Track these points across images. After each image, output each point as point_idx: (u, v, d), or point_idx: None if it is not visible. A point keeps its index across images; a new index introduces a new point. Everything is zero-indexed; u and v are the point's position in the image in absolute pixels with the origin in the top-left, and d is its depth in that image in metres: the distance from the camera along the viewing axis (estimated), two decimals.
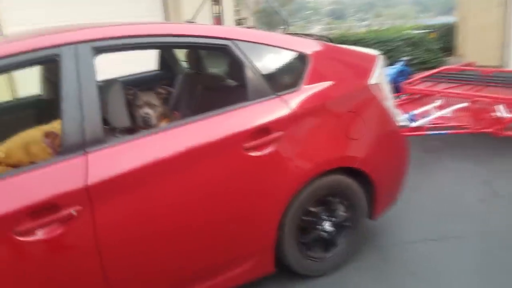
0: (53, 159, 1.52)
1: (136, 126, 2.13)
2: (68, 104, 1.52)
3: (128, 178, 1.59)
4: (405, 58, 5.50)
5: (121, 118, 1.93)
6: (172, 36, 1.82)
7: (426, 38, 7.98)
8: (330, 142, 2.11)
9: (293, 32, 2.52)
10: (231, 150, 1.83)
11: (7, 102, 2.79)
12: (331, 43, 2.37)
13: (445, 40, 10.20)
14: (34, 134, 2.45)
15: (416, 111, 4.05)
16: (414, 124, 3.87)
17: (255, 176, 1.90)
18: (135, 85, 3.05)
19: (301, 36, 2.38)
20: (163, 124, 2.23)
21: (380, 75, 2.34)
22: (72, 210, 1.48)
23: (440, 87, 4.73)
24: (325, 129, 2.10)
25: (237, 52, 1.93)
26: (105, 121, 1.88)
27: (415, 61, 7.15)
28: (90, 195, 1.50)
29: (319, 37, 2.47)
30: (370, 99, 2.26)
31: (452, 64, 7.02)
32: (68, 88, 1.53)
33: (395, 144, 2.42)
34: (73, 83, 1.54)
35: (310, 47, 2.17)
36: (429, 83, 4.96)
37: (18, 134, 2.48)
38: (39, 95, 2.79)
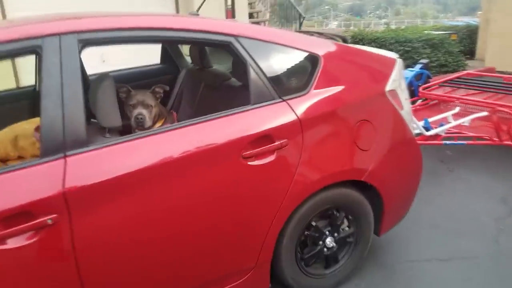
0: (28, 162, 1.38)
1: (128, 127, 1.99)
2: (48, 101, 1.37)
3: (113, 185, 1.45)
4: (424, 61, 5.26)
5: (111, 118, 1.77)
6: (167, 30, 1.65)
7: (447, 40, 7.68)
8: (339, 152, 1.94)
9: (305, 30, 2.34)
10: (228, 158, 1.67)
11: (2, 91, 2.67)
12: (345, 43, 2.20)
13: (466, 43, 9.88)
14: (25, 127, 2.33)
15: (432, 118, 3.84)
16: (429, 133, 3.66)
17: (253, 186, 1.75)
18: (134, 79, 2.92)
19: (313, 35, 2.20)
20: (158, 125, 2.08)
21: (398, 81, 2.15)
22: (48, 219, 1.34)
23: (459, 93, 4.50)
24: (334, 139, 1.93)
25: (241, 50, 1.77)
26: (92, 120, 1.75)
27: (434, 64, 6.88)
28: (68, 203, 1.36)
29: (332, 36, 2.29)
30: (385, 107, 2.08)
31: (472, 68, 6.74)
32: (49, 84, 1.38)
33: (409, 156, 2.24)
34: (55, 78, 1.39)
35: (322, 47, 2.00)
36: (447, 89, 4.73)
37: (9, 126, 2.37)
38: (34, 86, 2.66)
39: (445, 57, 7.34)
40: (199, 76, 2.67)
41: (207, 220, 1.67)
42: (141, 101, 2.03)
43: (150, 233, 1.55)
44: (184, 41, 1.70)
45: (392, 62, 2.21)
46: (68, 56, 1.42)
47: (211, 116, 1.70)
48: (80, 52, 1.46)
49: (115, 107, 1.77)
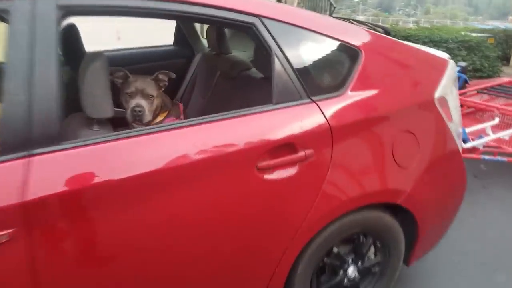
0: None
1: (123, 119, 1.68)
2: (11, 82, 1.06)
3: (88, 197, 1.14)
4: (462, 64, 4.81)
5: (100, 107, 1.45)
6: (171, 2, 1.32)
7: (485, 43, 7.15)
8: (374, 169, 1.59)
9: (341, 17, 1.98)
10: (240, 169, 1.35)
11: None
12: (390, 37, 1.83)
13: (502, 48, 9.29)
14: None
15: (469, 129, 3.43)
16: (467, 145, 3.26)
17: (268, 205, 1.42)
18: (141, 61, 2.60)
19: (352, 23, 1.84)
20: (160, 119, 1.77)
21: (450, 87, 1.79)
22: (3, 234, 1.05)
23: (499, 102, 4.08)
24: (369, 152, 1.58)
25: (265, 34, 1.43)
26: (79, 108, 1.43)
27: (468, 68, 6.40)
28: (29, 215, 1.06)
29: (373, 27, 1.93)
30: (432, 117, 1.72)
31: (507, 75, 6.25)
32: (15, 59, 1.07)
33: (453, 176, 1.89)
34: (24, 53, 1.08)
35: (363, 39, 1.64)
36: (485, 96, 4.30)
37: None
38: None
39: (481, 61, 6.84)
40: (216, 62, 2.34)
41: (207, 242, 1.35)
42: (141, 90, 1.71)
43: (139, 255, 1.25)
44: (192, 17, 1.36)
45: (443, 63, 1.84)
46: (43, 26, 1.10)
47: (222, 115, 1.37)
48: (59, 21, 1.14)
49: (107, 94, 1.46)
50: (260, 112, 1.42)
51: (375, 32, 1.78)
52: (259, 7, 1.44)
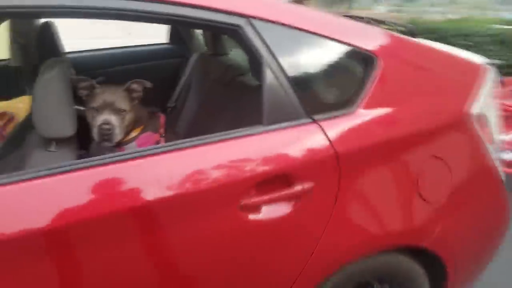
0: None
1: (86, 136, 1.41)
2: None
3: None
4: (497, 62, 4.34)
5: (56, 125, 1.20)
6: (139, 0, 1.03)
7: None
8: (391, 206, 1.27)
9: (354, 15, 1.64)
10: (217, 207, 1.07)
11: None
12: (413, 38, 1.49)
13: None
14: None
15: (507, 136, 3.02)
16: (505, 157, 2.85)
17: (253, 252, 1.14)
18: (132, 61, 2.34)
19: (369, 22, 1.50)
20: (134, 135, 1.49)
21: (489, 101, 1.45)
22: None
23: None
24: (387, 184, 1.26)
25: (254, 39, 1.12)
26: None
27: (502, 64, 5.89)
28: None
29: (393, 26, 1.60)
30: (467, 139, 1.38)
31: None
32: None
33: (492, 210, 1.54)
34: None
35: (381, 42, 1.31)
36: None
37: None
38: (8, 60, 2.13)
39: None
40: (210, 65, 2.04)
41: None
42: (110, 103, 1.42)
43: None
44: (164, 19, 1.07)
45: (481, 71, 1.49)
46: None
47: (198, 140, 1.09)
48: None
49: (65, 109, 1.20)
50: (246, 135, 1.12)
51: (396, 33, 1.45)
52: (246, 4, 1.14)
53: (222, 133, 1.11)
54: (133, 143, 1.48)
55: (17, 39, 2.00)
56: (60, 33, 2.03)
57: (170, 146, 1.07)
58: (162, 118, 1.64)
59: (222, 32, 1.23)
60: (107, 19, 1.05)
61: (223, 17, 1.10)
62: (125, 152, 1.07)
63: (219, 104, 1.72)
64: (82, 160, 1.00)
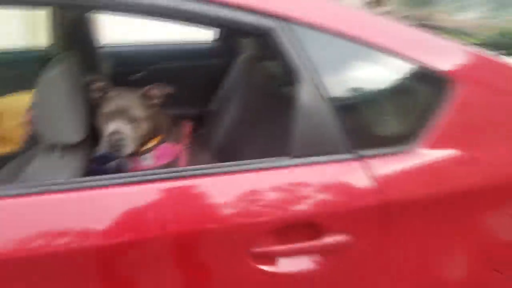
0: None
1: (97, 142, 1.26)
2: None
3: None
4: None
5: (60, 129, 1.06)
6: None
7: None
8: (453, 275, 0.99)
9: (430, 23, 1.33)
10: (226, 253, 0.86)
11: (13, 51, 2.12)
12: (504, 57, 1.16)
13: None
14: (21, 101, 1.79)
15: None
16: None
17: None
18: (168, 58, 2.17)
19: (441, 34, 1.19)
20: (151, 145, 1.31)
21: None
22: None
23: None
24: (448, 245, 0.97)
25: (288, 46, 0.89)
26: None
27: None
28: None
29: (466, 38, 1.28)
30: None
31: None
32: None
33: None
34: None
35: (459, 61, 1.01)
36: None
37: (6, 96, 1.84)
38: (51, 46, 2.06)
39: None
40: (256, 69, 1.82)
41: None
42: (123, 110, 1.24)
43: None
44: (172, 16, 0.87)
45: None
46: None
47: (208, 168, 0.89)
48: None
49: (70, 112, 1.06)
50: (267, 168, 0.89)
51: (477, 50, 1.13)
52: (284, 4, 0.90)
53: (239, 162, 0.90)
54: (149, 154, 1.30)
55: (60, 24, 1.91)
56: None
57: (171, 172, 0.87)
58: (187, 127, 1.45)
59: (246, 36, 1.02)
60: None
61: (251, 19, 0.88)
62: (133, 174, 0.88)
63: (256, 118, 1.50)
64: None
